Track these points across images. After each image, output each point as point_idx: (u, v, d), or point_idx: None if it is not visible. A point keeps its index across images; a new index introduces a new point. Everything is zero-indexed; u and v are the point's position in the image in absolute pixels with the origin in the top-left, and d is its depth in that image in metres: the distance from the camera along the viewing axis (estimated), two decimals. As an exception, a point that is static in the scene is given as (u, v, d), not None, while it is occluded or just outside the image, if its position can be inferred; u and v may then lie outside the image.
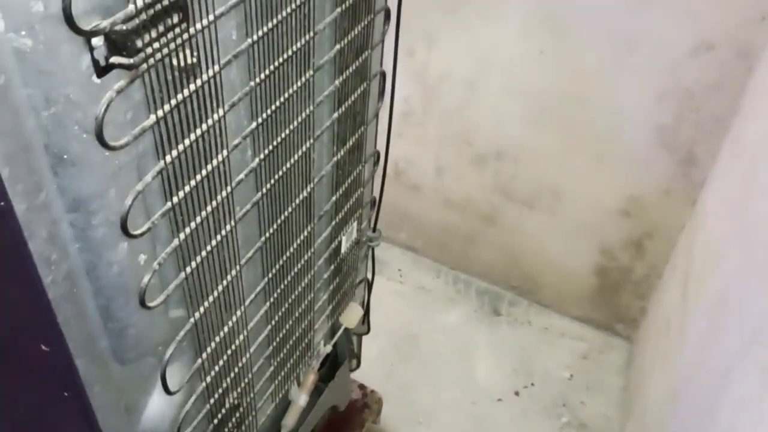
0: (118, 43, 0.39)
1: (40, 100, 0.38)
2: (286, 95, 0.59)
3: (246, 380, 0.72)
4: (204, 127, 0.49)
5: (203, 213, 0.53)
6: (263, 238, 0.65)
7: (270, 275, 0.69)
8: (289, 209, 0.67)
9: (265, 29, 0.52)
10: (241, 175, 0.57)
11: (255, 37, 0.52)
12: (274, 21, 0.53)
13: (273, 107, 0.58)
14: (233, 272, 0.61)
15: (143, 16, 0.40)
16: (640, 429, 1.16)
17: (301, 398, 0.89)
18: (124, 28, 0.39)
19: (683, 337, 1.03)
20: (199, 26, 0.44)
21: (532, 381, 1.43)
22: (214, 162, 0.52)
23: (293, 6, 0.55)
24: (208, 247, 0.56)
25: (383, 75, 0.79)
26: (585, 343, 1.51)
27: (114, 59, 0.40)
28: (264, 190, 0.61)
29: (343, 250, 0.86)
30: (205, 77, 0.47)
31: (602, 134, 1.30)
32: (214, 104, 0.50)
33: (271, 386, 0.81)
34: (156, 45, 0.41)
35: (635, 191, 1.33)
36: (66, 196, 0.43)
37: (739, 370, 0.73)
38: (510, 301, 1.59)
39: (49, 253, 0.43)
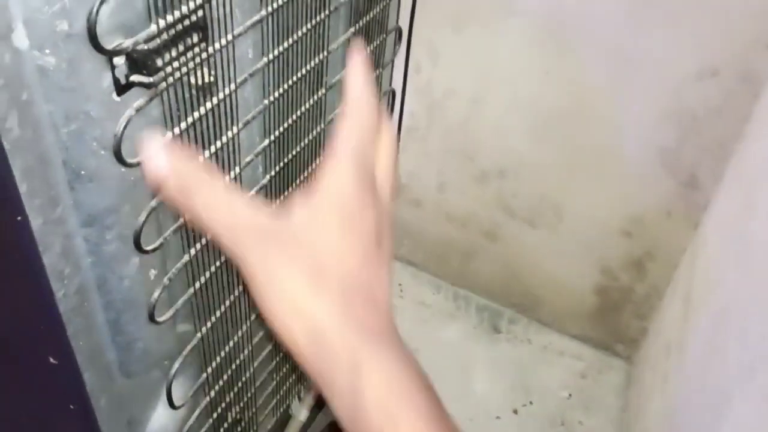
0: (139, 62, 0.40)
1: (60, 117, 0.39)
2: (299, 113, 0.60)
3: (249, 394, 0.72)
4: (218, 144, 0.49)
5: (214, 229, 0.53)
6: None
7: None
8: (297, 225, 0.68)
9: (281, 48, 0.53)
10: (252, 192, 0.57)
11: (271, 56, 0.52)
12: (290, 40, 0.53)
13: (285, 125, 0.58)
14: (240, 287, 0.61)
15: (165, 36, 0.40)
16: (638, 450, 1.16)
17: (301, 413, 0.89)
18: (146, 47, 0.39)
19: (683, 359, 1.03)
20: (217, 45, 0.45)
21: (531, 399, 1.43)
22: (227, 179, 0.52)
23: (309, 26, 0.55)
24: (218, 263, 0.56)
25: (393, 93, 0.80)
26: (584, 363, 1.51)
27: (135, 78, 0.40)
28: (273, 207, 0.62)
29: (347, 265, 0.86)
30: (221, 95, 0.48)
31: (605, 154, 1.30)
32: (229, 122, 0.50)
33: (273, 401, 0.81)
34: (176, 64, 0.42)
35: (637, 211, 1.33)
36: (81, 211, 0.43)
37: (739, 396, 0.73)
38: (510, 318, 1.59)
39: (62, 267, 0.43)
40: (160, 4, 0.39)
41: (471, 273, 1.61)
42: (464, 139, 1.43)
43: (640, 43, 1.15)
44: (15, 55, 0.35)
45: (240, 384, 0.69)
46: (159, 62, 0.41)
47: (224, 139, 0.50)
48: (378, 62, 0.71)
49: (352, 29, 0.63)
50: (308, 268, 0.36)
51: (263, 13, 0.49)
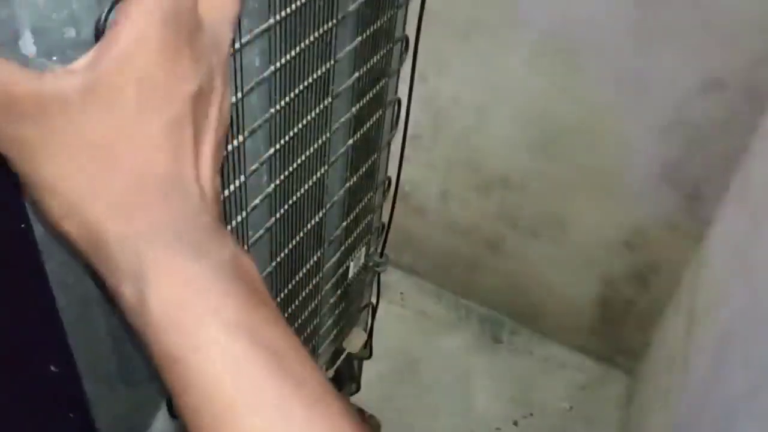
0: (146, 69, 0.39)
1: (67, 124, 0.38)
2: (304, 122, 0.59)
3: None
4: (224, 152, 0.49)
5: (218, 238, 0.53)
6: (274, 263, 0.64)
7: (278, 300, 0.68)
8: (301, 234, 0.67)
9: (288, 57, 0.52)
10: (257, 201, 0.57)
11: (278, 65, 0.52)
12: (297, 49, 0.53)
13: (291, 133, 0.58)
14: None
15: (172, 44, 0.40)
16: (640, 465, 1.15)
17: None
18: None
19: (686, 375, 1.02)
20: (225, 54, 0.44)
21: (531, 411, 1.42)
22: (231, 188, 0.52)
23: (316, 35, 0.55)
24: (221, 272, 0.55)
25: (399, 102, 0.79)
26: (585, 375, 1.50)
27: (141, 86, 0.40)
28: (277, 216, 0.61)
29: (350, 275, 0.86)
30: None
31: (609, 166, 1.30)
32: (235, 130, 0.50)
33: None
34: (183, 72, 0.41)
35: (640, 225, 1.33)
36: (85, 219, 0.43)
37: (744, 415, 0.73)
38: (511, 329, 1.58)
39: (64, 276, 0.43)
40: (168, 12, 0.39)
41: (473, 283, 1.60)
42: (468, 150, 1.43)
43: (645, 57, 1.15)
44: (22, 62, 0.35)
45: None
46: (166, 70, 0.40)
47: (230, 147, 0.49)
48: (384, 71, 0.71)
49: (359, 38, 0.63)
50: (90, 159, 0.29)
51: (271, 21, 0.49)
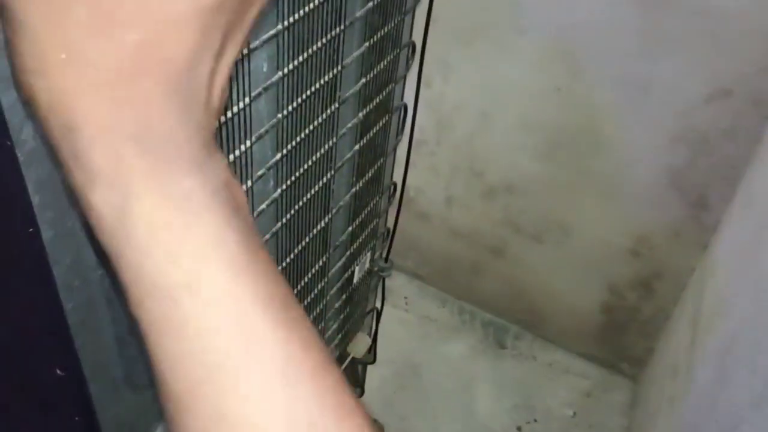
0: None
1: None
2: (311, 127, 0.59)
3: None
4: (231, 158, 0.49)
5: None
6: (279, 268, 0.65)
7: (283, 304, 0.68)
8: (307, 239, 0.67)
9: (295, 63, 0.53)
10: (263, 206, 0.57)
11: (285, 71, 0.52)
12: (305, 55, 0.53)
13: (298, 139, 0.58)
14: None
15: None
16: (643, 473, 1.15)
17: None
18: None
19: (690, 383, 1.02)
20: (233, 60, 0.45)
21: (535, 417, 1.42)
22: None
23: (323, 41, 0.55)
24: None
25: (405, 108, 0.80)
26: (589, 381, 1.50)
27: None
28: (284, 221, 0.61)
29: (355, 280, 0.86)
30: (235, 109, 0.47)
31: (614, 172, 1.30)
32: (242, 135, 0.50)
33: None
34: (191, 78, 0.41)
35: (645, 231, 1.33)
36: (92, 224, 0.43)
37: (749, 424, 0.72)
38: (515, 334, 1.58)
39: (72, 280, 0.43)
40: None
41: (477, 288, 1.60)
42: (472, 155, 1.43)
43: (651, 64, 1.15)
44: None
45: (245, 398, 0.69)
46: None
47: (237, 152, 0.50)
48: (391, 77, 0.71)
49: (366, 43, 0.63)
50: (91, 16, 0.22)
51: (279, 27, 0.49)
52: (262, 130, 0.52)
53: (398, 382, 1.45)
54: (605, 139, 1.27)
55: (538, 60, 1.25)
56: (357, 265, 0.85)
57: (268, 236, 0.60)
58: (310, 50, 0.54)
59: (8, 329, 0.46)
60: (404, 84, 0.78)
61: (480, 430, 1.39)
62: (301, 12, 0.51)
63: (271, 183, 0.59)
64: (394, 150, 0.83)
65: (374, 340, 1.02)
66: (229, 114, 0.47)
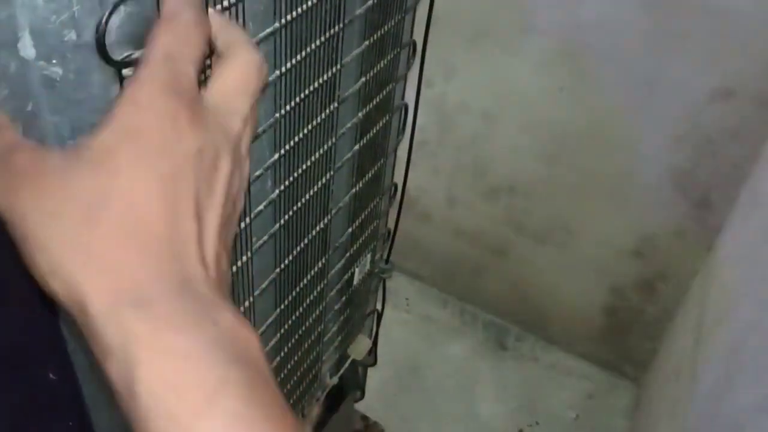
0: (148, 73, 0.39)
1: (67, 129, 0.38)
2: (310, 127, 0.58)
3: (251, 412, 0.71)
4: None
5: (220, 244, 0.52)
6: (278, 270, 0.64)
7: (282, 306, 0.67)
8: (306, 241, 0.66)
9: (293, 61, 0.52)
10: (261, 207, 0.56)
11: (283, 69, 0.51)
12: (303, 53, 0.52)
13: (296, 139, 0.57)
14: (246, 303, 0.60)
15: (175, 48, 0.39)
16: (646, 476, 1.14)
17: (305, 430, 0.88)
18: (156, 59, 0.38)
19: (694, 385, 1.01)
20: (229, 58, 0.44)
21: (537, 419, 1.41)
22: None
23: (322, 39, 0.54)
24: (223, 279, 0.55)
25: (405, 108, 0.79)
26: (592, 383, 1.49)
27: (143, 90, 0.39)
28: (282, 222, 0.61)
29: (355, 281, 0.85)
30: (231, 109, 0.46)
31: (617, 173, 1.29)
32: (239, 135, 0.49)
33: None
34: (186, 76, 0.41)
35: (649, 232, 1.32)
36: (85, 225, 0.42)
37: (754, 427, 0.71)
38: (517, 335, 1.57)
39: (64, 282, 0.42)
40: (171, 15, 0.38)
41: (479, 289, 1.59)
42: (475, 155, 1.42)
43: (655, 65, 1.14)
44: (21, 65, 0.34)
45: (243, 401, 0.68)
46: (169, 74, 0.40)
47: (233, 153, 0.49)
48: (391, 76, 0.70)
49: (366, 42, 0.62)
50: (80, 215, 0.28)
51: (276, 25, 0.48)
52: (260, 130, 0.51)
53: (399, 384, 1.45)
54: (609, 139, 1.26)
55: (542, 60, 1.25)
56: (357, 266, 0.84)
57: (266, 237, 0.59)
58: (308, 48, 0.53)
59: (0, 334, 0.45)
60: (405, 83, 0.77)
61: (482, 433, 1.38)
62: (299, 9, 0.50)
63: (269, 183, 0.58)
64: (395, 150, 0.82)
65: (375, 342, 1.01)
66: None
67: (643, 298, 1.39)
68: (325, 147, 0.63)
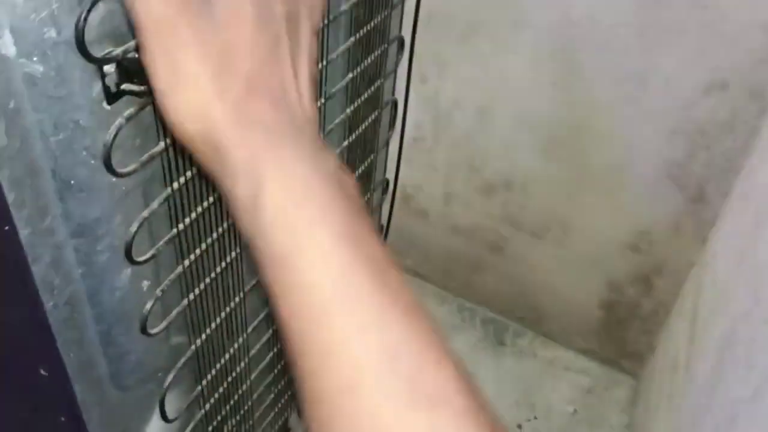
0: (129, 70, 0.39)
1: (49, 126, 0.38)
2: (297, 123, 0.59)
3: (246, 407, 0.71)
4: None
5: (209, 240, 0.53)
6: (268, 266, 0.64)
7: (274, 302, 0.68)
8: (296, 237, 0.67)
9: (278, 58, 0.52)
10: (249, 203, 0.56)
11: (268, 66, 0.51)
12: (288, 50, 0.53)
13: (283, 135, 0.57)
14: (237, 299, 0.60)
15: (156, 45, 0.39)
16: (644, 469, 1.14)
17: (300, 427, 0.88)
18: (137, 55, 0.39)
19: (690, 378, 1.01)
20: (212, 55, 0.44)
21: (535, 414, 1.41)
22: (222, 189, 0.51)
23: (308, 35, 0.54)
24: (213, 274, 0.55)
25: (395, 103, 0.79)
26: (590, 378, 1.49)
27: (125, 86, 0.40)
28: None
29: (348, 277, 0.85)
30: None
31: (612, 167, 1.29)
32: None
33: (270, 414, 0.80)
34: (168, 73, 0.41)
35: (644, 226, 1.32)
36: (71, 222, 0.42)
37: (746, 417, 0.72)
38: (515, 331, 1.57)
39: (52, 278, 0.43)
40: (152, 12, 0.38)
41: (476, 285, 1.60)
42: (471, 151, 1.43)
43: (648, 57, 1.14)
44: (2, 63, 0.35)
45: (236, 397, 0.68)
46: (151, 71, 0.40)
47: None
48: (380, 72, 0.71)
49: (352, 38, 0.62)
50: (214, 66, 0.33)
51: (260, 22, 0.48)
52: (246, 126, 0.52)
53: (398, 381, 1.45)
54: (603, 134, 1.26)
55: (534, 55, 1.25)
56: (350, 262, 0.84)
57: (255, 233, 0.59)
58: (293, 45, 0.53)
59: (-11, 329, 0.46)
60: (395, 79, 0.78)
61: (480, 428, 1.38)
62: (283, 6, 0.50)
63: (257, 180, 0.58)
64: (387, 146, 0.82)
65: (370, 338, 1.01)
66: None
67: (640, 293, 1.39)
68: (314, 143, 0.63)
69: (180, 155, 0.46)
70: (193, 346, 0.57)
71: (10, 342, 0.47)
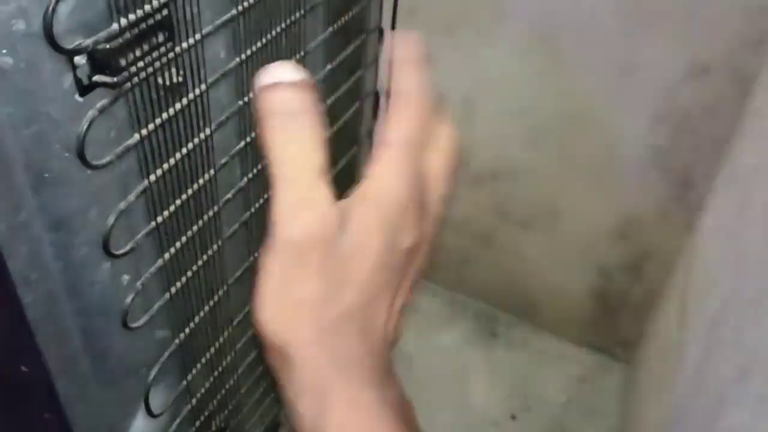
0: (101, 61, 0.39)
1: (21, 119, 0.38)
2: (276, 115, 0.59)
3: (234, 402, 0.71)
4: (190, 146, 0.49)
5: (189, 233, 0.53)
6: (252, 258, 0.64)
7: (259, 296, 0.68)
8: (279, 229, 0.67)
9: (254, 48, 0.52)
10: (229, 195, 0.56)
11: (243, 57, 0.51)
12: (264, 40, 0.53)
13: (262, 127, 0.57)
14: (220, 292, 0.60)
15: (127, 35, 0.39)
16: (637, 455, 1.14)
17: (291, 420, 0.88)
18: (108, 46, 0.39)
19: (680, 362, 1.02)
20: (185, 45, 0.44)
21: (529, 404, 1.42)
22: (201, 181, 0.51)
23: (283, 26, 0.54)
24: (194, 267, 0.55)
25: (377, 94, 0.79)
26: (583, 367, 1.49)
27: (97, 78, 0.39)
28: (253, 210, 0.61)
29: (335, 270, 0.85)
30: (191, 96, 0.47)
31: (599, 155, 1.29)
32: (201, 123, 0.49)
33: (260, 408, 0.80)
34: (140, 64, 0.41)
35: (633, 213, 1.32)
36: (47, 216, 0.42)
37: (733, 398, 0.72)
38: (507, 322, 1.57)
39: (28, 273, 0.42)
40: (122, 2, 0.38)
41: (467, 278, 1.60)
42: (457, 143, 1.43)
43: (630, 45, 1.14)
44: (-32, 55, 0.34)
45: (224, 391, 0.68)
46: (123, 62, 0.40)
47: (196, 140, 0.49)
48: (360, 63, 0.71)
49: (330, 29, 0.62)
50: (321, 292, 0.33)
51: (233, 12, 0.48)
52: (223, 118, 0.52)
53: (391, 375, 1.45)
54: (589, 122, 1.27)
55: (518, 46, 1.25)
56: (336, 255, 0.84)
57: (237, 226, 0.59)
58: (268, 36, 0.53)
59: (-32, 327, 0.45)
60: (376, 70, 0.77)
61: (474, 420, 1.39)
62: (257, -4, 0.50)
63: (238, 171, 0.58)
64: (370, 137, 0.82)
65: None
66: (185, 101, 0.47)
67: (630, 280, 1.39)
68: (294, 135, 0.63)
69: (157, 146, 0.46)
70: (177, 340, 0.57)
71: (-11, 339, 0.47)
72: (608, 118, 1.24)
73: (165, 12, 0.41)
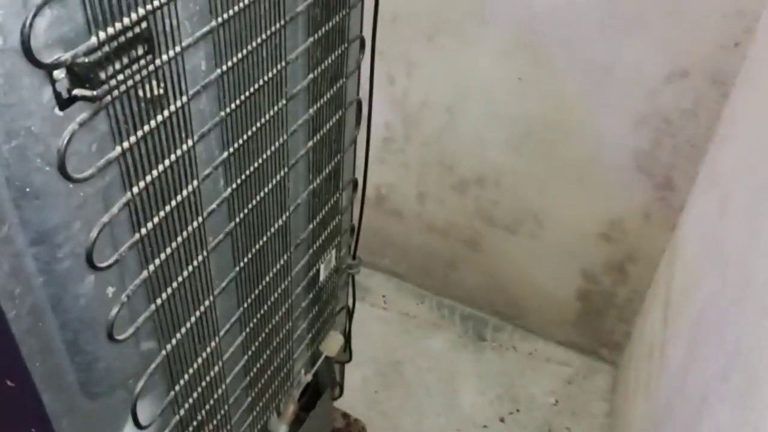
0: (80, 75, 0.39)
1: (1, 133, 0.38)
2: (258, 125, 0.59)
3: (222, 412, 0.71)
4: (172, 158, 0.49)
5: (173, 244, 0.53)
6: (237, 268, 0.64)
7: (245, 305, 0.68)
8: (264, 238, 0.67)
9: (234, 60, 0.52)
10: (213, 206, 0.57)
11: (224, 68, 0.52)
12: (244, 51, 0.53)
13: (245, 137, 0.58)
14: (206, 303, 0.60)
15: (106, 49, 0.40)
16: (625, 455, 1.15)
17: (280, 429, 0.88)
18: (87, 60, 0.39)
19: (664, 362, 1.03)
20: (165, 58, 0.44)
21: (518, 407, 1.42)
22: (184, 193, 0.52)
23: (263, 36, 0.55)
24: (180, 279, 0.55)
25: (359, 103, 0.79)
26: (570, 368, 1.50)
27: (77, 91, 0.40)
28: (237, 220, 0.61)
29: (321, 278, 0.86)
30: (172, 108, 0.47)
31: (582, 159, 1.30)
32: (183, 135, 0.49)
33: (249, 417, 0.80)
34: (120, 77, 0.41)
35: (616, 215, 1.33)
36: (29, 230, 0.42)
37: (715, 396, 0.73)
38: (494, 326, 1.58)
39: (12, 288, 0.42)
40: (100, 16, 0.39)
41: (454, 282, 1.60)
42: (442, 150, 1.43)
43: (611, 49, 1.15)
44: (-52, 72, 0.34)
45: (212, 401, 0.68)
46: (102, 75, 0.40)
47: (179, 152, 0.49)
48: (342, 72, 0.71)
49: (311, 39, 0.63)
50: None
51: (213, 23, 0.48)
52: (205, 129, 0.52)
53: (380, 380, 1.45)
54: (571, 126, 1.28)
55: (500, 51, 1.26)
56: (322, 262, 0.84)
57: (221, 236, 0.59)
58: (249, 47, 0.53)
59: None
60: (359, 78, 0.78)
61: (464, 423, 1.39)
62: (236, 8, 0.50)
63: (221, 182, 0.58)
64: (353, 145, 0.83)
65: (348, 339, 1.02)
66: (166, 113, 0.47)
67: (615, 281, 1.40)
68: (277, 144, 0.63)
69: (139, 159, 0.46)
70: (163, 351, 0.57)
71: (-26, 354, 0.47)
72: (590, 122, 1.25)
73: (144, 25, 0.42)
